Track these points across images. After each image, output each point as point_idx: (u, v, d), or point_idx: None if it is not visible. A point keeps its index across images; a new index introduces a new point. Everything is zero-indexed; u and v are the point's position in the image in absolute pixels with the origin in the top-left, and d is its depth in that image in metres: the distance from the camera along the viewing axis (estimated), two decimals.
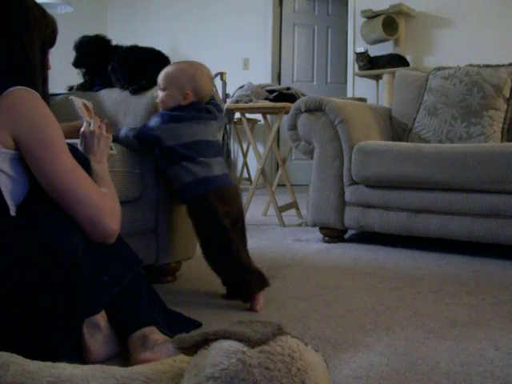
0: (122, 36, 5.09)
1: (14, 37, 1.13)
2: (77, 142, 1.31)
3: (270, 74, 5.54)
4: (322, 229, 2.61)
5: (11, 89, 1.08)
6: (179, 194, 1.60)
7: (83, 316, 1.13)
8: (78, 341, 1.15)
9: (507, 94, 2.68)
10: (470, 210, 2.20)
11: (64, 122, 1.39)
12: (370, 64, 4.33)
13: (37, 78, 1.17)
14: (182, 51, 5.57)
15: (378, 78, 4.50)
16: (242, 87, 3.44)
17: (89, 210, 1.11)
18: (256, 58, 5.58)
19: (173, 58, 1.84)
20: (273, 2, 5.51)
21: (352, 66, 4.83)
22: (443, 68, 2.90)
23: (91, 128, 1.31)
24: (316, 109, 2.54)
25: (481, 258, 2.25)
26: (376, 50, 4.45)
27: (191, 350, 0.79)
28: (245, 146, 5.27)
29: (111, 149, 1.40)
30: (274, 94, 3.34)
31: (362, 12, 4.46)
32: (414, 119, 2.86)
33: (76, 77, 2.05)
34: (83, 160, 1.21)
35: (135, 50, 1.84)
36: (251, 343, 0.73)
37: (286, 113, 2.94)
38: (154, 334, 1.18)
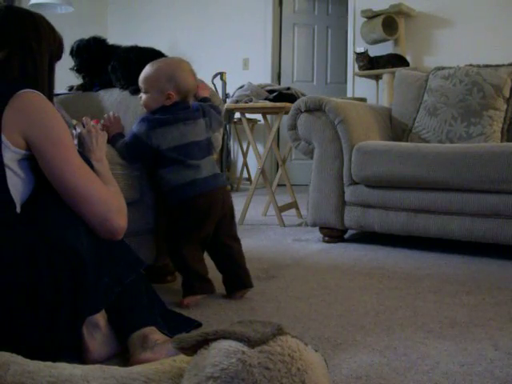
0: (122, 36, 5.10)
1: (25, 47, 1.20)
2: None
3: (269, 74, 5.54)
4: (321, 229, 2.61)
5: (21, 91, 1.12)
6: (167, 196, 1.60)
7: (86, 313, 1.14)
8: (77, 340, 1.15)
9: (507, 93, 2.68)
10: (470, 210, 2.20)
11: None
12: (370, 64, 4.33)
13: (44, 87, 1.22)
14: (182, 51, 5.56)
15: (377, 78, 4.50)
16: (241, 87, 3.44)
17: (98, 207, 1.16)
18: (256, 58, 5.58)
19: None
20: (273, 2, 5.51)
21: (352, 66, 4.83)
22: (443, 68, 2.90)
23: (87, 128, 1.34)
24: (316, 109, 2.54)
25: (481, 257, 2.25)
26: (376, 50, 4.45)
27: (191, 349, 0.79)
28: (245, 146, 5.28)
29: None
30: (274, 93, 3.34)
31: (362, 12, 4.46)
32: (414, 119, 2.86)
33: (76, 77, 2.05)
34: (87, 162, 1.24)
35: (135, 50, 1.84)
36: (251, 343, 0.73)
37: (286, 113, 2.94)
38: (153, 334, 1.18)
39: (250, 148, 5.05)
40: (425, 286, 1.81)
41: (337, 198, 2.51)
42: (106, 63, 1.86)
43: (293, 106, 2.64)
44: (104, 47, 1.92)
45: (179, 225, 1.59)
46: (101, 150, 1.34)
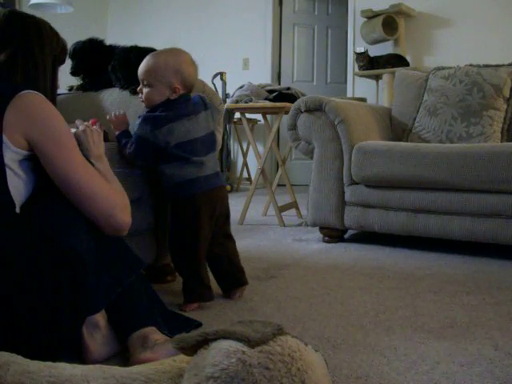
0: (121, 36, 5.11)
1: (27, 49, 1.21)
2: None
3: (269, 74, 5.54)
4: (321, 229, 2.61)
5: (22, 92, 1.13)
6: (167, 192, 1.60)
7: (86, 313, 1.14)
8: (77, 340, 1.15)
9: (507, 93, 2.68)
10: (470, 210, 2.20)
11: None
12: (370, 64, 4.33)
13: (47, 89, 1.24)
14: None
15: (377, 78, 4.50)
16: (241, 87, 3.44)
17: (102, 204, 1.18)
18: (256, 58, 5.58)
19: None
20: (273, 2, 5.51)
21: (352, 65, 4.82)
22: (443, 68, 2.90)
23: (81, 128, 1.34)
24: (316, 109, 2.54)
25: (481, 257, 2.25)
26: (376, 50, 4.45)
27: (191, 349, 0.79)
28: (245, 146, 5.28)
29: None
30: (274, 93, 3.34)
31: (362, 12, 4.46)
32: (414, 119, 2.86)
33: (76, 79, 2.05)
34: (87, 161, 1.24)
35: (135, 50, 1.83)
36: (251, 343, 0.73)
37: (286, 113, 2.94)
38: (153, 334, 1.18)
39: (250, 148, 5.05)
40: (425, 286, 1.81)
41: (337, 197, 2.51)
42: (105, 63, 1.86)
43: (293, 106, 2.64)
44: (101, 48, 1.92)
45: (182, 223, 1.57)
46: (98, 147, 1.33)
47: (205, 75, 2.14)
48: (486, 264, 2.14)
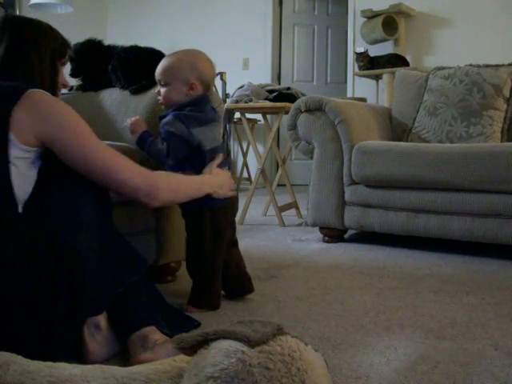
0: (121, 36, 5.11)
1: (23, 52, 1.21)
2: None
3: (269, 74, 5.54)
4: (321, 229, 2.61)
5: (29, 91, 1.12)
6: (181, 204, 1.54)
7: (85, 315, 1.14)
8: (77, 341, 1.15)
9: (507, 93, 2.68)
10: (470, 210, 2.20)
11: None
12: (370, 64, 4.33)
13: (45, 85, 1.23)
14: None
15: (377, 77, 4.50)
16: (241, 87, 3.44)
17: (131, 180, 1.19)
18: (256, 58, 5.58)
19: None
20: (273, 2, 5.51)
21: (352, 65, 4.83)
22: (443, 68, 2.90)
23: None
24: (316, 109, 2.54)
25: (481, 257, 2.25)
26: (376, 50, 4.45)
27: (191, 349, 0.79)
28: (245, 146, 5.27)
29: None
30: (274, 93, 3.34)
31: (362, 12, 4.46)
32: (414, 119, 2.86)
33: (76, 80, 2.05)
34: None
35: (135, 50, 1.84)
36: (251, 343, 0.73)
37: (286, 113, 2.94)
38: (153, 334, 1.18)
39: (250, 148, 5.05)
40: (425, 286, 1.81)
41: (337, 197, 2.51)
42: (104, 64, 1.86)
43: (293, 106, 2.64)
44: (100, 48, 1.92)
45: (202, 233, 1.51)
46: None
47: None
48: (485, 264, 2.14)
